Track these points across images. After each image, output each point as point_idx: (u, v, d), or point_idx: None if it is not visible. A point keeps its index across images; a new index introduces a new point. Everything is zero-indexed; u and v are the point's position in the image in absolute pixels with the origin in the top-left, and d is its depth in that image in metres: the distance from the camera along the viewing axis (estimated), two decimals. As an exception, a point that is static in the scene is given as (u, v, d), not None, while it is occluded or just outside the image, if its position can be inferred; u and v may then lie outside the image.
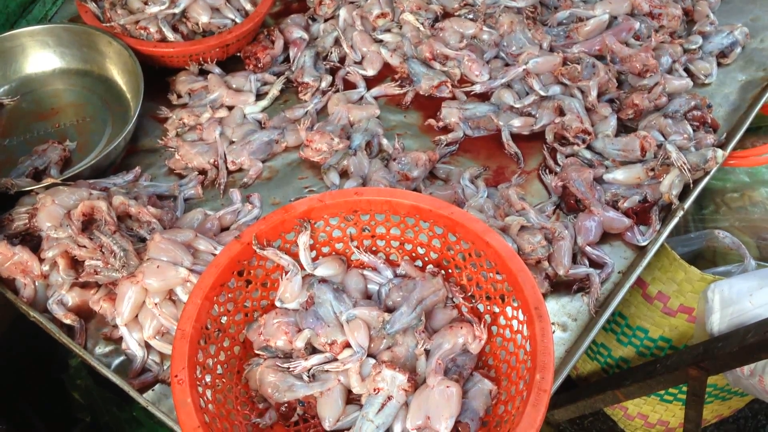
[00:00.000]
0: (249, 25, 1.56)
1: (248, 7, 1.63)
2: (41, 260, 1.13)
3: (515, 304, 1.03)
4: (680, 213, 1.30)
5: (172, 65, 1.57)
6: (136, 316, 1.10)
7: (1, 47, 1.52)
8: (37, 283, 1.14)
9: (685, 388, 1.41)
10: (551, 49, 1.61)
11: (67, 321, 1.12)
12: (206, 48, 1.53)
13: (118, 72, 1.54)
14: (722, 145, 1.42)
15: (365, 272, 1.16)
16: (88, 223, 1.14)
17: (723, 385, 1.66)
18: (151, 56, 1.51)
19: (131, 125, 1.35)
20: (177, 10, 1.54)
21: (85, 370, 1.46)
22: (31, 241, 1.16)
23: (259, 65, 1.58)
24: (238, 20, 1.60)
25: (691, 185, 1.33)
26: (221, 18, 1.60)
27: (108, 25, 1.52)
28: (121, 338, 1.11)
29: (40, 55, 1.56)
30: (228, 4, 1.60)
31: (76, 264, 1.14)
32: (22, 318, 1.40)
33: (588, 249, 1.26)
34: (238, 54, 1.63)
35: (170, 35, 1.54)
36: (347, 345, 1.05)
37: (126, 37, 1.51)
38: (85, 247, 1.10)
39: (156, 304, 1.08)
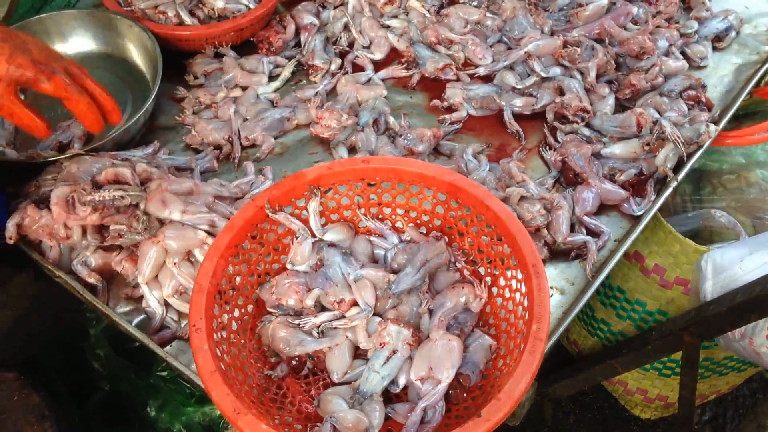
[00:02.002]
0: (262, 10, 1.63)
1: None
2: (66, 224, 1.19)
3: (514, 264, 1.09)
4: (674, 184, 1.35)
5: (189, 48, 1.64)
6: (156, 276, 1.16)
7: (28, 31, 1.58)
8: (61, 246, 1.20)
9: (683, 363, 1.46)
10: (552, 33, 1.67)
11: (91, 280, 1.18)
12: (222, 31, 1.60)
13: (139, 55, 1.61)
14: (716, 122, 1.47)
15: (372, 238, 1.22)
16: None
17: (719, 359, 1.70)
18: (169, 39, 1.58)
19: (151, 100, 1.42)
20: None
21: (105, 339, 1.52)
22: (57, 206, 1.22)
23: (272, 49, 1.65)
24: (251, 6, 1.67)
25: (685, 158, 1.39)
26: (236, 4, 1.66)
27: (128, 9, 1.60)
28: (141, 297, 1.18)
29: (66, 39, 1.64)
30: None
31: (100, 228, 1.20)
32: (45, 291, 1.48)
33: (585, 219, 1.32)
34: (252, 39, 1.70)
35: (188, 19, 1.61)
36: (355, 303, 1.11)
37: (146, 21, 1.57)
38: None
39: (175, 264, 1.15)
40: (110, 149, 1.34)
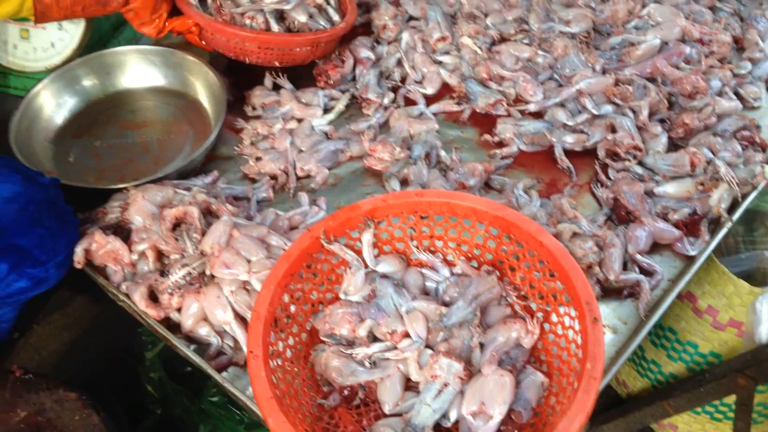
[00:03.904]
0: (341, 30, 1.66)
1: (336, 18, 1.71)
2: (131, 250, 1.24)
3: (567, 301, 1.09)
4: (728, 225, 1.34)
5: (261, 62, 1.65)
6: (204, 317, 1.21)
7: (104, 61, 1.69)
8: (125, 271, 1.25)
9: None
10: (603, 72, 1.68)
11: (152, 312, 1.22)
12: (303, 42, 1.62)
13: (203, 92, 1.68)
14: (771, 163, 1.46)
15: (423, 270, 1.23)
16: (177, 225, 1.25)
17: (774, 405, 1.66)
18: (247, 50, 1.61)
19: (212, 139, 1.49)
20: (288, 7, 1.63)
21: (159, 363, 1.56)
22: (122, 233, 1.27)
23: (330, 82, 1.70)
24: (328, 26, 1.69)
25: (740, 199, 1.38)
26: (314, 22, 1.68)
27: (216, 16, 1.61)
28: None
29: (141, 72, 1.72)
30: (321, 12, 1.70)
31: (161, 256, 1.25)
32: (102, 314, 1.53)
33: (638, 257, 1.32)
34: (314, 66, 1.74)
35: (275, 26, 1.63)
36: (406, 335, 1.12)
37: (239, 29, 1.58)
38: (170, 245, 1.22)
39: (233, 292, 1.18)
40: (173, 178, 1.39)
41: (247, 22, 1.62)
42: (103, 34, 1.82)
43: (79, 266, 1.20)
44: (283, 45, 1.61)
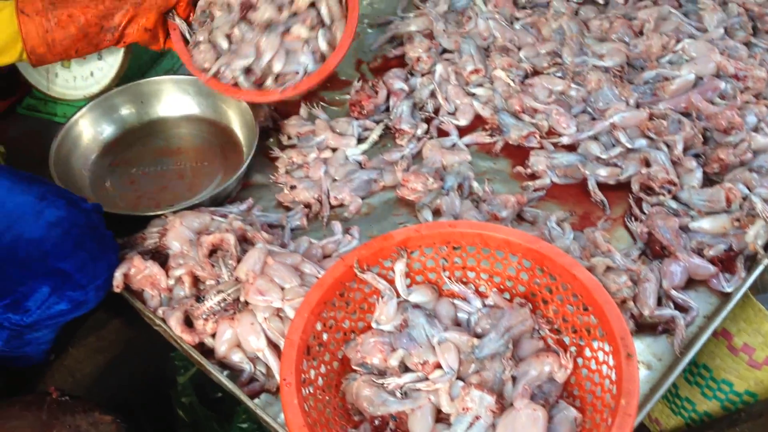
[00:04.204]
0: (312, 83, 1.59)
1: (324, 47, 1.60)
2: (168, 276, 1.26)
3: (601, 336, 1.08)
4: (765, 262, 1.33)
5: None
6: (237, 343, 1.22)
7: (140, 90, 1.74)
8: (162, 296, 1.27)
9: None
10: (638, 106, 1.68)
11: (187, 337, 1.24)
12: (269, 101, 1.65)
13: (237, 122, 1.71)
14: (809, 199, 1.44)
15: (455, 301, 1.24)
16: (213, 251, 1.28)
17: (813, 447, 1.62)
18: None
19: (243, 168, 1.52)
20: (261, 65, 1.57)
21: (191, 388, 1.57)
22: (159, 258, 1.30)
23: (363, 112, 1.72)
24: (310, 66, 1.58)
25: (777, 236, 1.36)
26: (293, 65, 1.59)
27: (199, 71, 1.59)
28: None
29: (176, 101, 1.77)
30: (306, 45, 1.59)
31: (197, 281, 1.27)
32: (135, 337, 1.55)
33: (673, 292, 1.30)
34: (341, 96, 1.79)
35: (245, 84, 1.58)
36: (438, 366, 1.12)
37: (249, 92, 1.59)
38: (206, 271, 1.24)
39: (266, 319, 1.19)
40: (209, 205, 1.42)
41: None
42: (142, 65, 1.88)
43: (117, 290, 1.23)
44: (251, 100, 1.62)
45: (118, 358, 1.53)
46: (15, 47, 1.40)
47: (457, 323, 1.22)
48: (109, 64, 1.71)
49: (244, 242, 1.30)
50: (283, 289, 1.21)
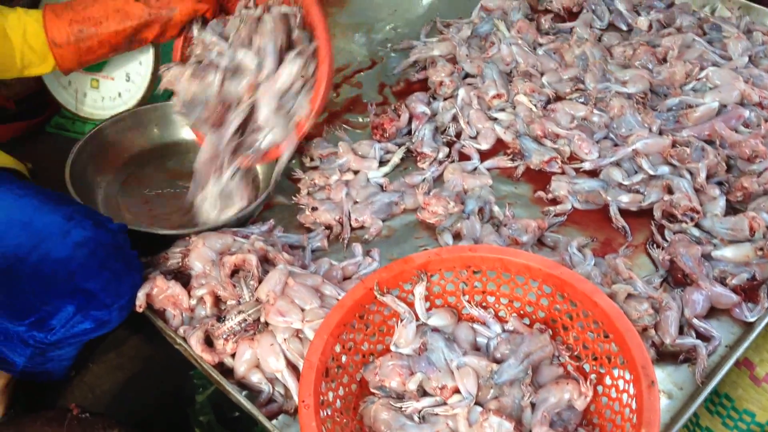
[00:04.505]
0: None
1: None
2: (190, 295, 1.27)
3: (621, 363, 1.07)
4: (790, 292, 1.31)
5: None
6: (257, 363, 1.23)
7: (159, 113, 1.74)
8: (184, 315, 1.28)
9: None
10: (660, 133, 1.68)
11: (207, 357, 1.24)
12: None
13: None
14: (834, 229, 1.43)
15: (475, 326, 1.23)
16: (235, 271, 1.29)
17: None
18: None
19: (266, 193, 1.53)
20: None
21: (209, 407, 1.58)
22: (182, 278, 1.31)
23: (385, 135, 1.74)
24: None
25: (802, 265, 1.34)
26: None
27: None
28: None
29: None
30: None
31: (218, 301, 1.28)
32: (155, 355, 1.56)
33: (695, 321, 1.29)
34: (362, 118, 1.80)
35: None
36: (457, 391, 1.12)
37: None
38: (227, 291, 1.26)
39: (285, 340, 1.20)
40: (231, 226, 1.43)
41: None
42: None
43: (140, 310, 1.24)
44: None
45: (137, 375, 1.54)
46: (47, 61, 1.43)
47: (476, 348, 1.22)
48: (137, 85, 1.73)
49: (266, 263, 1.31)
50: (303, 310, 1.21)
